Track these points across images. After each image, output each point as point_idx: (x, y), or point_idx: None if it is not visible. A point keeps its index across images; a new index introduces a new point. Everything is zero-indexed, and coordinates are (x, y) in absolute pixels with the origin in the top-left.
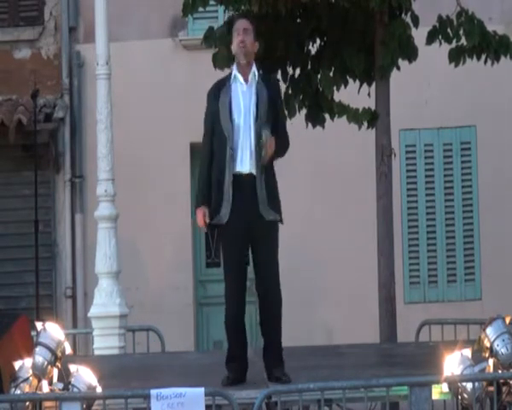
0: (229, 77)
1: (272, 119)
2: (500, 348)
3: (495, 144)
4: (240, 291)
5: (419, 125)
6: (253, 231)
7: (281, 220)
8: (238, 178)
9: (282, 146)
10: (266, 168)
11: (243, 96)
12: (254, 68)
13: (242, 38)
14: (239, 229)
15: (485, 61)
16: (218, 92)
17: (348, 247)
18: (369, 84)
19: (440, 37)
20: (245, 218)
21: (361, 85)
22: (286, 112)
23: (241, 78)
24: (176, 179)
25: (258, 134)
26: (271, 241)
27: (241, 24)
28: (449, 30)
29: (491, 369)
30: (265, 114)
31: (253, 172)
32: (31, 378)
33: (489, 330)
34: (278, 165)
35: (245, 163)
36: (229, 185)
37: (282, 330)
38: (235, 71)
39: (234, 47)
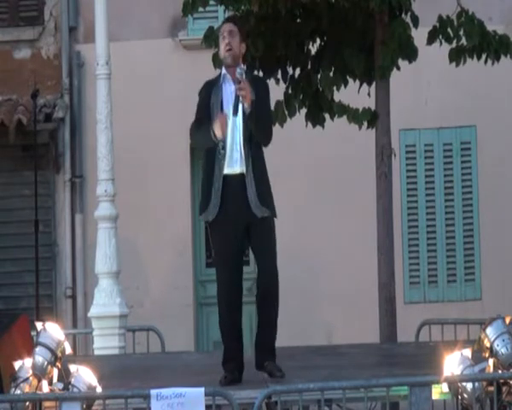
0: (218, 77)
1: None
2: (500, 348)
3: (495, 144)
4: (231, 291)
5: (419, 125)
6: (247, 229)
7: (274, 215)
8: (228, 179)
9: (261, 123)
10: (256, 165)
11: (232, 96)
12: (242, 68)
13: (228, 40)
14: (227, 228)
15: (486, 61)
16: (209, 91)
17: (348, 247)
18: (369, 84)
19: (440, 37)
20: (234, 217)
21: (361, 85)
22: (286, 112)
23: (229, 77)
24: (176, 179)
25: (245, 132)
26: (266, 237)
27: (226, 27)
28: (449, 30)
29: (491, 369)
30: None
31: (244, 171)
32: (31, 378)
33: (489, 330)
34: (277, 165)
35: (235, 163)
36: (219, 184)
37: (277, 324)
38: (224, 71)
39: (221, 50)
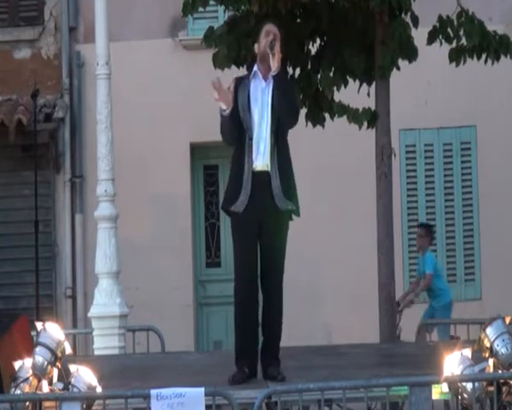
0: (249, 74)
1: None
2: (500, 348)
3: (495, 144)
4: (250, 284)
5: (419, 125)
6: (266, 223)
7: (297, 212)
8: (255, 173)
9: (287, 105)
10: (281, 157)
11: (262, 92)
12: None
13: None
14: (253, 219)
15: (486, 61)
16: (237, 87)
17: (348, 247)
18: (369, 84)
19: (440, 37)
20: (260, 209)
21: (361, 85)
22: None
23: (260, 75)
24: (176, 179)
25: (272, 125)
26: (282, 231)
27: (274, 29)
28: (449, 30)
29: (491, 369)
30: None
31: (268, 168)
32: (31, 378)
33: (489, 330)
34: None
35: (261, 157)
36: (249, 175)
37: (282, 330)
38: (256, 68)
39: (262, 47)
